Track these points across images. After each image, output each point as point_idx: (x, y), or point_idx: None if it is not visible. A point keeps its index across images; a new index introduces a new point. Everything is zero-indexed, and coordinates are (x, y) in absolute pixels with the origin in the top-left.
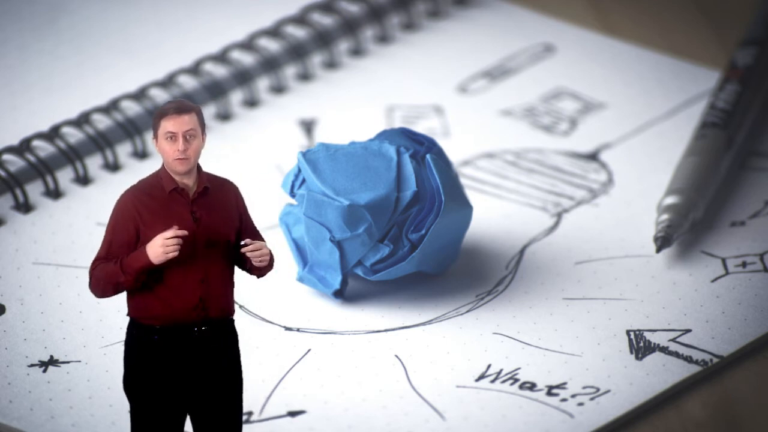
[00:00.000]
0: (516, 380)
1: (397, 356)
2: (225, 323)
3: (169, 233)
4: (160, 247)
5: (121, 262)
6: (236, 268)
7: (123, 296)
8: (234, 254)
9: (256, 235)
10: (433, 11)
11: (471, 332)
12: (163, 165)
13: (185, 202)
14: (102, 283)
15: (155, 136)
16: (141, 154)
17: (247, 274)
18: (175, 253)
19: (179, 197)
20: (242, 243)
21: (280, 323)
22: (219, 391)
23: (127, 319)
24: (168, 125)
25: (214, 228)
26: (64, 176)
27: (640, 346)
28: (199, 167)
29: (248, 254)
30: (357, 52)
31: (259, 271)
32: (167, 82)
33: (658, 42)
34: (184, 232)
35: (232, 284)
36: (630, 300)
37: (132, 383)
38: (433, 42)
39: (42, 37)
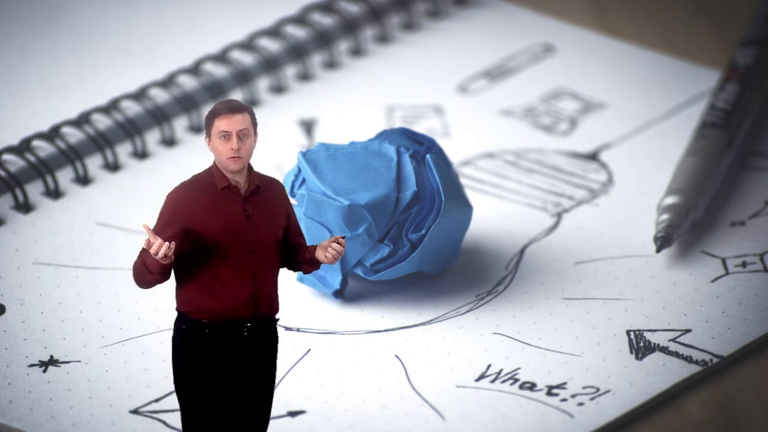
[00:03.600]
0: (516, 380)
1: (397, 356)
2: (270, 321)
3: (152, 238)
4: (150, 246)
5: (144, 262)
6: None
7: (121, 298)
8: (281, 252)
9: (300, 234)
10: (433, 11)
11: (471, 332)
12: (214, 163)
13: (238, 200)
14: (137, 279)
15: (208, 135)
16: (141, 154)
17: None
18: (162, 255)
19: (231, 195)
20: (341, 236)
21: (280, 323)
22: (256, 388)
23: (126, 320)
24: (222, 124)
25: (265, 226)
26: (64, 176)
27: (640, 346)
28: (250, 166)
29: (331, 249)
30: (357, 52)
31: (311, 268)
32: (167, 82)
33: (658, 42)
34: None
35: (277, 282)
36: (630, 300)
37: (183, 376)
38: (433, 42)
39: (42, 37)
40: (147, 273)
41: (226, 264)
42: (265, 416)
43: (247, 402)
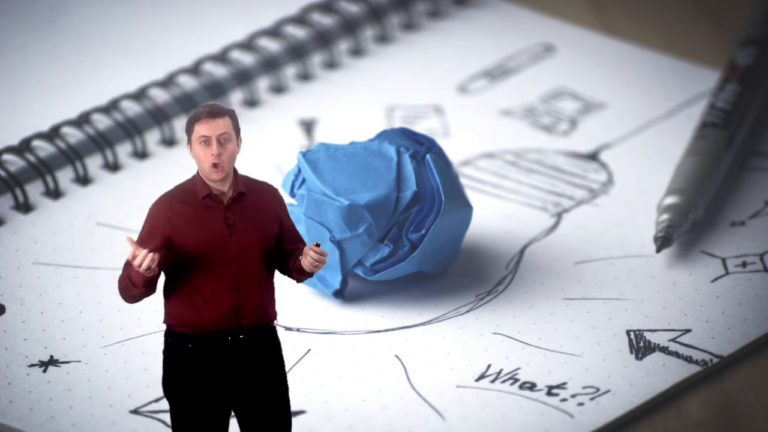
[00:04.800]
0: (516, 380)
1: (397, 356)
2: (262, 331)
3: (136, 250)
4: (134, 258)
5: (129, 276)
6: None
7: (121, 299)
8: (274, 259)
9: (297, 241)
10: (433, 11)
11: (471, 332)
12: (197, 171)
13: (219, 208)
14: (123, 294)
15: (189, 142)
16: (141, 154)
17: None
18: (146, 268)
19: (213, 204)
20: (316, 243)
21: (280, 323)
22: (260, 396)
23: (126, 320)
24: (201, 129)
25: (249, 235)
26: (64, 176)
27: (640, 346)
28: (235, 172)
29: (311, 257)
30: (357, 52)
31: (302, 276)
32: (167, 82)
33: (658, 42)
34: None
35: (270, 291)
36: (630, 300)
37: (170, 388)
38: (433, 42)
39: (42, 37)
40: (132, 287)
41: (206, 275)
42: (281, 422)
43: (255, 410)
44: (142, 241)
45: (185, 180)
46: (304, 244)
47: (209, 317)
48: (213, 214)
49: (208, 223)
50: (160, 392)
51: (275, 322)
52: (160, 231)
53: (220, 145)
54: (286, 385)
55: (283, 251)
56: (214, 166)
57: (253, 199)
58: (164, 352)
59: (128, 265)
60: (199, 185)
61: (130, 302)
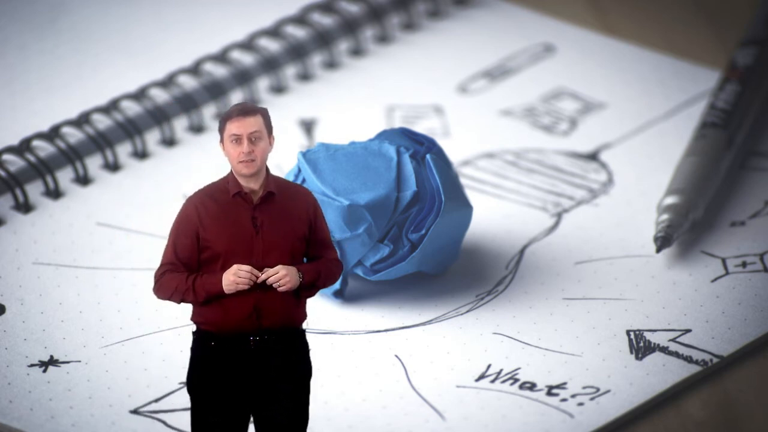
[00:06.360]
0: (516, 380)
1: (397, 356)
2: (285, 333)
3: (245, 266)
4: (233, 275)
5: (194, 282)
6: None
7: (121, 298)
8: (301, 263)
9: (326, 248)
10: (433, 11)
11: (471, 332)
12: (231, 169)
13: (248, 206)
14: (168, 293)
15: (221, 140)
16: (141, 154)
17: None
18: (245, 286)
19: (242, 202)
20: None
21: None
22: (276, 396)
23: (126, 320)
24: (233, 127)
25: (276, 235)
26: (64, 176)
27: (640, 346)
28: (268, 171)
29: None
30: (357, 52)
31: (303, 293)
32: (167, 82)
33: (658, 42)
34: (258, 273)
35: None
36: (630, 300)
37: (191, 384)
38: (433, 42)
39: (42, 37)
40: (191, 295)
41: None
42: (296, 427)
43: (272, 412)
44: (176, 236)
45: (221, 177)
46: (333, 252)
47: (231, 317)
48: (241, 213)
49: (235, 221)
50: (160, 392)
51: (305, 324)
52: (192, 226)
53: (251, 143)
54: (307, 388)
55: (309, 257)
56: (244, 162)
57: (284, 200)
58: (191, 347)
59: (202, 277)
60: (231, 183)
61: (163, 299)
